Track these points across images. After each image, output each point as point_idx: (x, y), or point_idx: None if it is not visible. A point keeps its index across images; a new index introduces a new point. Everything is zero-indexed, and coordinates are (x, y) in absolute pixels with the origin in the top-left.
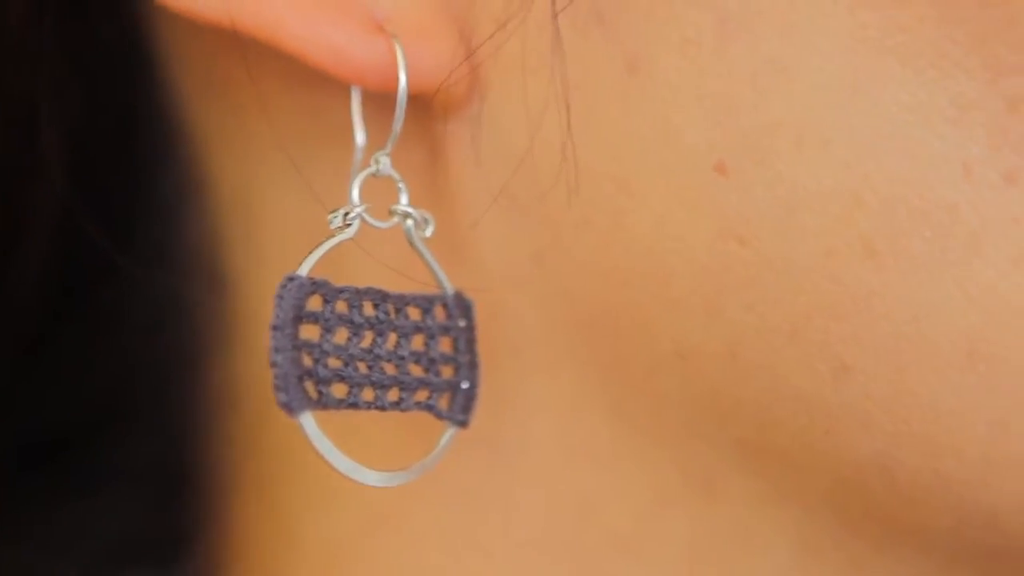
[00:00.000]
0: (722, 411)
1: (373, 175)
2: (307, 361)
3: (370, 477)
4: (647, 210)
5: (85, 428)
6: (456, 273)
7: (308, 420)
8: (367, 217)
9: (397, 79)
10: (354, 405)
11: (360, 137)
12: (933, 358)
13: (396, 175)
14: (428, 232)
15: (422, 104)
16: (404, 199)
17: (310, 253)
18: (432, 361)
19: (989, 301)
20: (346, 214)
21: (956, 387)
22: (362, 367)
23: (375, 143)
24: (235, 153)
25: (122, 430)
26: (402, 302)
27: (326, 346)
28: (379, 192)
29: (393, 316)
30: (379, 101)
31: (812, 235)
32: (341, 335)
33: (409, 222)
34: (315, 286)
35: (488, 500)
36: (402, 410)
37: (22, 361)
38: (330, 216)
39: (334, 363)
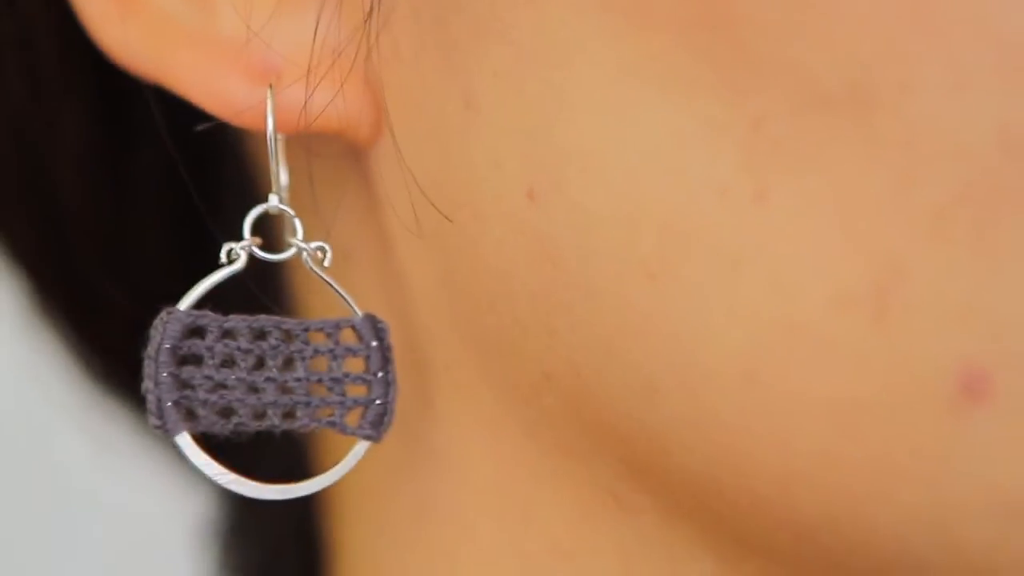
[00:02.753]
0: (594, 429)
1: (267, 212)
2: (188, 387)
3: (265, 491)
4: (491, 237)
5: None
6: (397, 297)
7: (184, 440)
8: (257, 251)
9: (289, 122)
10: (243, 426)
11: (283, 177)
12: (716, 380)
13: (289, 211)
14: (326, 262)
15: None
16: (299, 233)
17: (194, 288)
18: (337, 381)
19: (755, 323)
20: (230, 250)
21: (740, 409)
22: (253, 390)
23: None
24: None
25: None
26: (301, 328)
27: (208, 372)
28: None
29: (291, 342)
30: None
31: (604, 258)
32: (227, 362)
33: (305, 254)
34: (197, 317)
35: (447, 512)
36: (301, 428)
37: None
38: (221, 252)
39: (218, 388)
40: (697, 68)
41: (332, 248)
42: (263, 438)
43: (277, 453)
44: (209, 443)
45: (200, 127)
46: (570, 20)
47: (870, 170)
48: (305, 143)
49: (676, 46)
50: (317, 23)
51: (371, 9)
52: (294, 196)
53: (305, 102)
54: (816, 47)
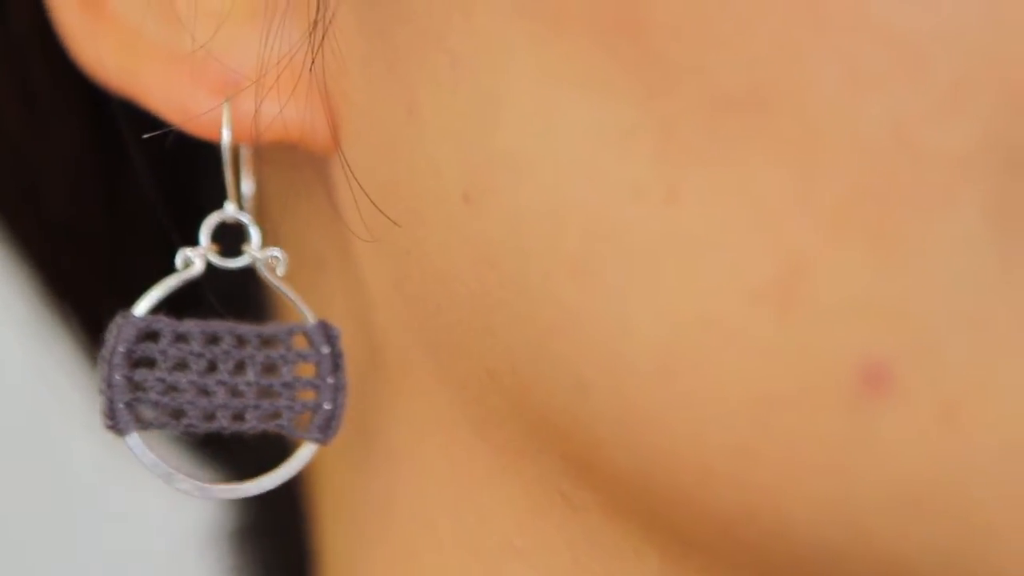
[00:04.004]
0: (537, 427)
1: (224, 221)
2: (141, 389)
3: (212, 491)
4: (433, 241)
5: None
6: (360, 303)
7: (135, 441)
8: (213, 258)
9: (245, 133)
10: (191, 427)
11: (246, 186)
12: (638, 376)
13: (246, 219)
14: (280, 271)
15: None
16: (255, 241)
17: (148, 292)
18: (287, 386)
19: (671, 320)
20: (186, 257)
21: (660, 404)
22: (204, 393)
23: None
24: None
25: None
26: (253, 333)
27: (160, 374)
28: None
29: (242, 347)
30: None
31: (534, 259)
32: (179, 365)
33: (259, 262)
34: (151, 322)
35: (410, 511)
36: (250, 431)
37: None
38: (176, 258)
39: (169, 390)
40: (612, 71)
41: (308, 256)
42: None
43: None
44: (196, 443)
45: (148, 135)
46: (497, 27)
47: (774, 169)
48: (273, 153)
49: (592, 50)
50: (266, 36)
51: (315, 21)
52: (267, 203)
53: (255, 113)
54: (718, 50)
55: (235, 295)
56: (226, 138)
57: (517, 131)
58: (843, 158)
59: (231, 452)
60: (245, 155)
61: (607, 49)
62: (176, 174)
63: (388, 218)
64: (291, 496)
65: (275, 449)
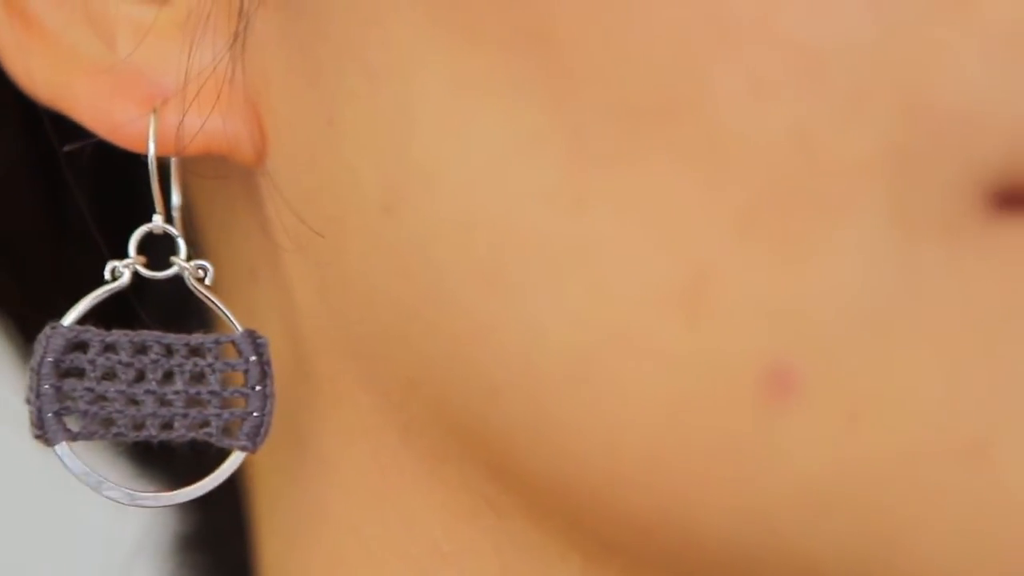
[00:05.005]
0: (457, 433)
1: (152, 232)
2: (68, 399)
3: (141, 499)
4: (354, 250)
5: None
6: (282, 312)
7: (63, 450)
8: (141, 269)
9: (169, 146)
10: (121, 435)
11: (175, 198)
12: (549, 383)
13: (173, 231)
14: (208, 280)
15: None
16: (182, 252)
17: (77, 304)
18: (215, 394)
19: (580, 327)
20: (114, 268)
21: (570, 411)
22: (132, 402)
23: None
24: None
25: None
26: (181, 343)
27: (88, 384)
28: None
29: (171, 356)
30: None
31: (447, 267)
32: (108, 375)
33: (186, 273)
34: (79, 332)
35: (337, 517)
36: (179, 439)
37: None
38: (105, 271)
39: (98, 400)
40: (520, 80)
41: (239, 266)
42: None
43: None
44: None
45: (68, 148)
46: (409, 37)
47: (678, 176)
48: (201, 165)
49: (501, 60)
50: (189, 49)
51: (235, 33)
52: (198, 214)
53: (179, 126)
54: (621, 59)
55: (174, 306)
56: (151, 150)
57: (430, 141)
58: (746, 165)
59: (171, 463)
60: (173, 167)
61: (516, 58)
62: (109, 186)
63: (311, 228)
64: (232, 504)
65: (215, 459)
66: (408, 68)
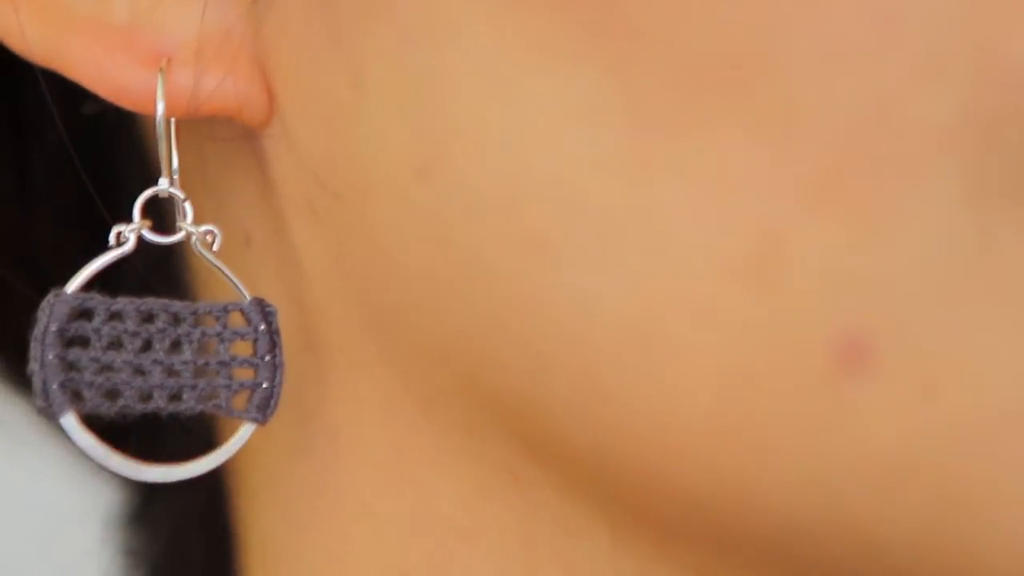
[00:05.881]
0: (488, 405)
1: (156, 195)
2: (75, 369)
3: (147, 473)
4: (381, 216)
5: None
6: (292, 280)
7: (69, 422)
8: (147, 234)
9: (181, 106)
10: (127, 407)
11: (175, 160)
12: (602, 353)
13: (179, 194)
14: (215, 246)
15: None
16: (189, 216)
17: (82, 270)
18: (224, 364)
19: (639, 295)
20: (119, 233)
21: (628, 379)
22: (139, 372)
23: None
24: (204, 179)
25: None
26: (189, 311)
27: (94, 354)
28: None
29: (178, 325)
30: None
31: (491, 234)
32: (114, 344)
33: (194, 238)
34: (84, 300)
35: (346, 492)
36: (187, 411)
37: None
38: (109, 235)
39: (104, 370)
40: (578, 42)
41: (233, 232)
42: (169, 423)
43: (184, 438)
44: (114, 427)
45: (87, 110)
46: None
47: (747, 141)
48: (199, 126)
49: (557, 20)
50: (205, 6)
51: None
52: (188, 179)
53: (191, 86)
54: (694, 19)
55: (153, 276)
56: (160, 111)
57: (472, 104)
58: (820, 131)
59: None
60: (172, 129)
61: (571, 18)
62: (89, 149)
63: (332, 193)
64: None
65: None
66: (446, 29)
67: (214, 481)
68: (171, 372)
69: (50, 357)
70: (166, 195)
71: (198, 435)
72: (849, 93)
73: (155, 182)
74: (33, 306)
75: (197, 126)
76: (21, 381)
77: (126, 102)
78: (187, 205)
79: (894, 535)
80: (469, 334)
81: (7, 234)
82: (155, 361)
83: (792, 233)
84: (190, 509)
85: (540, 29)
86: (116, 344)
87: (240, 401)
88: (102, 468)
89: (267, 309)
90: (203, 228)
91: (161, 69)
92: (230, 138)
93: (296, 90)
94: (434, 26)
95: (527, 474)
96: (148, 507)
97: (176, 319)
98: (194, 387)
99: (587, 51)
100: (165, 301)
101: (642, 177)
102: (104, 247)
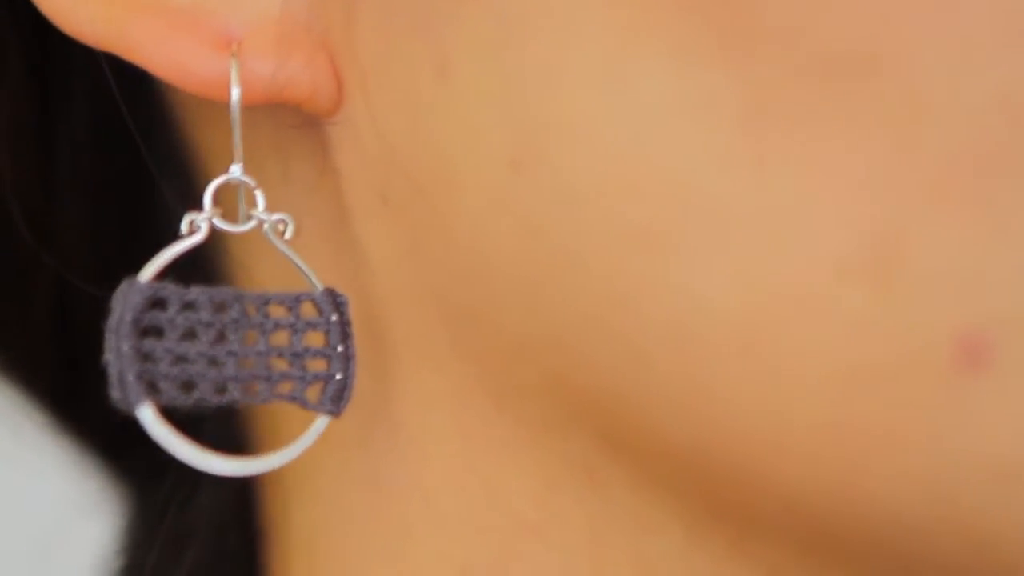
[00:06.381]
0: (572, 401)
1: (228, 182)
2: (150, 360)
3: (219, 465)
4: (467, 209)
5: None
6: (353, 270)
7: (145, 413)
8: (219, 223)
9: (255, 93)
10: (203, 400)
11: (238, 147)
12: (711, 348)
13: (250, 182)
14: (288, 235)
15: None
16: (260, 204)
17: (155, 258)
18: (297, 355)
19: (754, 291)
20: (191, 221)
21: (735, 377)
22: (214, 363)
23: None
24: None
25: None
26: (261, 301)
27: (169, 345)
28: None
29: (252, 314)
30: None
31: (594, 227)
32: (188, 334)
33: (266, 226)
34: (157, 289)
35: (406, 487)
36: (262, 402)
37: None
38: (180, 223)
39: (179, 361)
40: (697, 35)
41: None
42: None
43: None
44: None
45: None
46: None
47: (871, 136)
48: (254, 112)
49: (675, 13)
50: None
51: None
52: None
53: (271, 71)
54: (822, 11)
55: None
56: (236, 97)
57: (579, 96)
58: (945, 128)
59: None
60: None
61: (692, 12)
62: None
63: (410, 185)
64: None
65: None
66: (553, 19)
67: (235, 480)
68: (245, 363)
69: (126, 348)
70: (237, 183)
71: (209, 431)
72: (977, 87)
73: (185, 170)
74: (35, 302)
75: (252, 112)
76: (20, 378)
77: (191, 86)
78: (259, 193)
79: (1007, 532)
80: (559, 330)
81: (29, 214)
82: (229, 352)
83: (914, 229)
84: (205, 506)
85: (658, 24)
86: (190, 335)
87: (313, 393)
88: (172, 460)
89: (339, 299)
90: (276, 217)
91: (234, 54)
92: (280, 126)
93: (365, 76)
94: (539, 17)
95: (603, 470)
96: (147, 510)
97: (248, 309)
98: (268, 378)
99: (709, 47)
100: (237, 290)
101: (760, 172)
102: (125, 229)
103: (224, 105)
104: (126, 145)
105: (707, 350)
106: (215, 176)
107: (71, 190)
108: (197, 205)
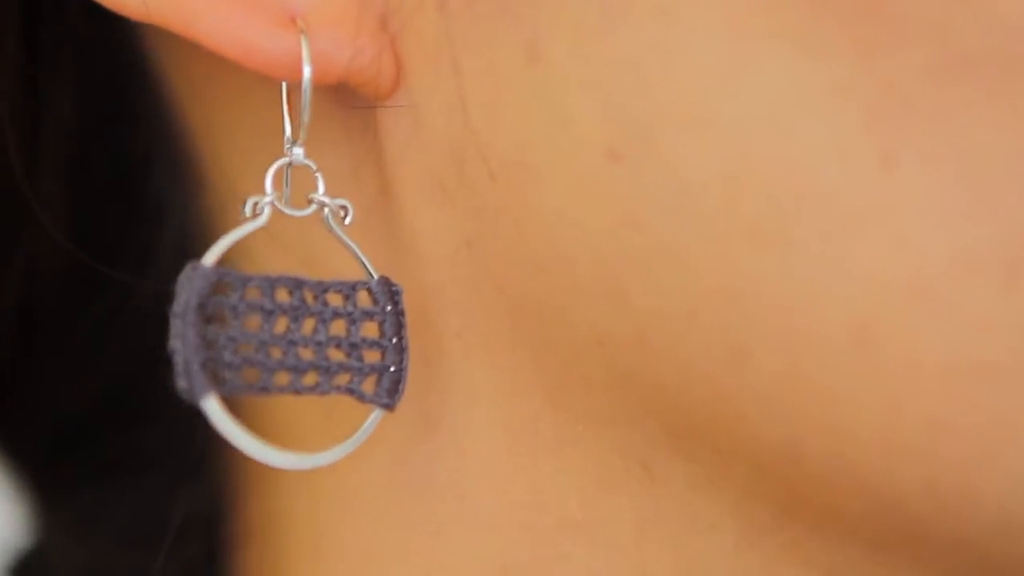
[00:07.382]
0: (645, 396)
1: (288, 164)
2: (213, 348)
3: (279, 459)
4: (550, 198)
5: (95, 420)
6: (393, 258)
7: (211, 404)
8: (280, 206)
9: (326, 73)
10: (265, 390)
11: (287, 128)
12: (822, 343)
13: (312, 164)
14: (347, 220)
15: (353, 93)
16: (321, 188)
17: (218, 242)
18: (354, 346)
19: (872, 286)
20: (255, 203)
21: (846, 373)
22: (275, 352)
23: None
24: (227, 147)
25: (132, 421)
26: (320, 288)
27: (233, 332)
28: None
29: (310, 302)
30: (335, 92)
31: (700, 220)
32: (251, 322)
33: (326, 210)
34: (221, 274)
35: (441, 484)
36: (320, 394)
37: (29, 357)
38: (243, 206)
39: (243, 349)
40: (823, 28)
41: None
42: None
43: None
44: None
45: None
46: None
47: (1004, 134)
48: (289, 94)
49: (800, 5)
50: None
51: None
52: (273, 146)
53: (348, 52)
54: (962, 6)
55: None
56: (307, 75)
57: (691, 87)
58: None
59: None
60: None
61: (820, 4)
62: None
63: (484, 172)
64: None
65: None
66: (667, 7)
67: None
68: (305, 353)
69: (191, 335)
70: (299, 164)
71: (176, 430)
72: None
73: (179, 149)
74: None
75: (292, 92)
76: None
77: (255, 63)
78: (319, 176)
79: None
80: (644, 325)
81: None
82: (291, 341)
83: None
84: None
85: (782, 15)
86: (252, 322)
87: (368, 385)
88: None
89: (393, 288)
90: (338, 201)
91: (302, 30)
92: (345, 107)
93: (433, 59)
94: (649, 3)
95: (662, 467)
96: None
97: (306, 297)
98: (327, 369)
99: (838, 40)
100: (296, 277)
101: (888, 167)
102: (112, 214)
103: (230, 84)
104: (114, 127)
105: (816, 344)
106: (206, 155)
107: (54, 175)
108: (186, 183)
